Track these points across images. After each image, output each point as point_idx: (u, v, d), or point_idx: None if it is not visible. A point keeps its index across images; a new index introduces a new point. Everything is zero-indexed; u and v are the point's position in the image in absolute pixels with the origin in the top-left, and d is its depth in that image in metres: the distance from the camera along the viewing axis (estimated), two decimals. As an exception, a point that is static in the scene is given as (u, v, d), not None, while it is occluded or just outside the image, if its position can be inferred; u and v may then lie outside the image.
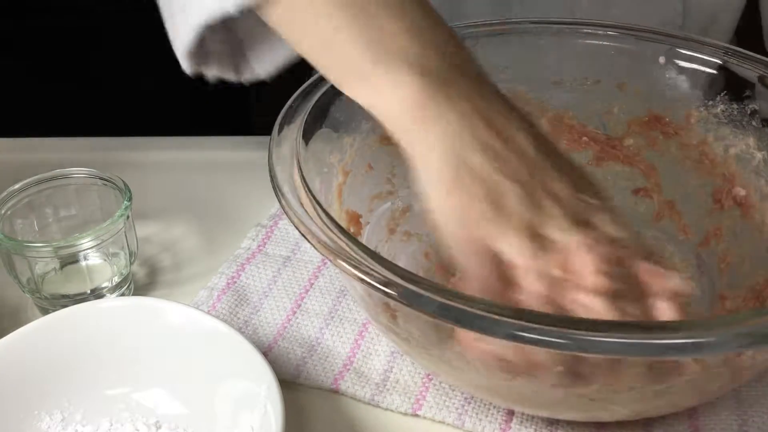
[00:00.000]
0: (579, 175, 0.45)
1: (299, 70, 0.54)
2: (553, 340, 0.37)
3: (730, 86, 0.58)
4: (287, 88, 0.56)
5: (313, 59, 0.47)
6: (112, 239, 0.57)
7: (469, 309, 0.38)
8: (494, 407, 0.51)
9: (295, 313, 0.58)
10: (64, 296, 0.57)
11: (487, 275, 0.42)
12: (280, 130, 0.52)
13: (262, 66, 0.55)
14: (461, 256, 0.43)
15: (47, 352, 0.49)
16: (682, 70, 0.60)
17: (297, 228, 0.44)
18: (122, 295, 0.59)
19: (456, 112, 0.43)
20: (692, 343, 0.36)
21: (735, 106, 0.58)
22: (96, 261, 0.59)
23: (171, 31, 0.53)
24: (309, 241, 0.43)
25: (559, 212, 0.42)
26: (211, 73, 0.55)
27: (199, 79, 0.55)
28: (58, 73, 1.46)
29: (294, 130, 0.52)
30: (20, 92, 1.42)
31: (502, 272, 0.42)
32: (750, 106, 0.58)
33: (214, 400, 0.48)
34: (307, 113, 0.53)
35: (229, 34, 0.54)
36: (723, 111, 0.59)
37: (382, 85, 0.43)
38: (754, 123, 0.58)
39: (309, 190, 0.47)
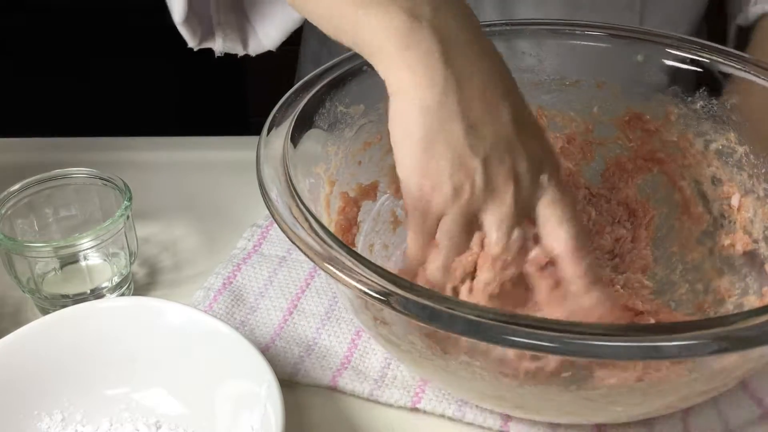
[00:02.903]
0: (547, 150, 0.46)
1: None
2: (545, 344, 0.37)
3: (709, 82, 0.58)
4: (284, 89, 0.55)
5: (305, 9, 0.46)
6: (112, 239, 0.56)
7: (461, 314, 0.38)
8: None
9: (291, 313, 0.57)
10: (64, 296, 0.56)
11: (426, 235, 0.44)
12: (268, 132, 0.51)
13: (268, 35, 0.54)
14: (411, 208, 0.44)
15: (47, 352, 0.48)
16: (660, 67, 0.59)
17: (291, 239, 0.43)
18: (122, 295, 0.58)
19: (447, 61, 0.43)
20: (678, 346, 0.36)
21: (714, 101, 0.58)
22: (96, 261, 0.58)
23: (169, 2, 0.52)
24: (300, 249, 0.42)
25: (510, 201, 0.44)
26: (217, 47, 0.54)
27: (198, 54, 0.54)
28: (58, 73, 1.46)
29: (281, 135, 0.50)
30: (20, 92, 1.42)
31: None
32: (730, 102, 0.57)
33: (214, 400, 0.48)
34: (294, 119, 0.52)
35: (235, 4, 0.52)
36: (702, 107, 0.58)
37: (370, 19, 0.43)
38: (734, 117, 0.57)
39: (299, 199, 0.46)
